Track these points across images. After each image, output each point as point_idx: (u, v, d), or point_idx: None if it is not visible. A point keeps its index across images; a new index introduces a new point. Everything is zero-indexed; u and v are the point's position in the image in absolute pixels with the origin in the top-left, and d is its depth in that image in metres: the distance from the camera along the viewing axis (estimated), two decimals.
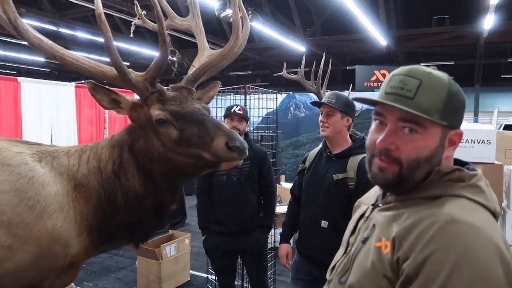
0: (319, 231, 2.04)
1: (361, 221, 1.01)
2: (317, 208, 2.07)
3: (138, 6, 2.27)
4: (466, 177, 0.85)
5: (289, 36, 11.45)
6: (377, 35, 10.47)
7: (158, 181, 1.59)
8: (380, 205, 0.96)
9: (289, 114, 8.30)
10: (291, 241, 2.49)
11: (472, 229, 0.74)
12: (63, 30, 11.76)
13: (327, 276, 1.06)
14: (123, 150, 1.60)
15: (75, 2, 8.75)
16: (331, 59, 5.01)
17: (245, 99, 3.35)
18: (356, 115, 2.29)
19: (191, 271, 4.09)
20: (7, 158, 1.48)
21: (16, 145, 1.58)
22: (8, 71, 17.08)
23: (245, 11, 1.71)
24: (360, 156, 2.02)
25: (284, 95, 8.54)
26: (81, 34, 11.87)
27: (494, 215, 0.84)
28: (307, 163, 2.25)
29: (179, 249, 3.83)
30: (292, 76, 4.48)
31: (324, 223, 2.03)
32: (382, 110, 0.90)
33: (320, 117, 2.11)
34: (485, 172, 2.97)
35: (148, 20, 2.31)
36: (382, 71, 10.68)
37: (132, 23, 2.44)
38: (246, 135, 2.82)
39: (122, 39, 11.66)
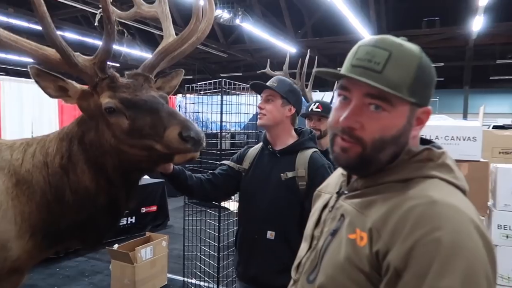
0: (264, 244, 1.67)
1: (326, 211, 0.92)
2: (261, 216, 1.70)
3: None
4: (435, 156, 0.80)
5: (280, 37, 11.35)
6: (368, 36, 10.39)
7: (111, 177, 1.45)
8: (346, 192, 0.88)
9: None
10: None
11: (453, 209, 0.70)
12: None
13: (293, 275, 0.96)
14: (73, 143, 1.46)
15: (65, 2, 8.57)
16: (316, 58, 4.90)
17: (222, 96, 3.19)
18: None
19: (169, 275, 3.92)
20: None
21: None
22: None
23: None
24: (311, 151, 1.73)
25: None
26: (70, 35, 11.69)
27: (464, 192, 0.79)
28: (246, 164, 1.84)
29: (156, 252, 3.67)
30: (276, 73, 4.36)
31: (270, 234, 1.66)
32: (347, 84, 0.82)
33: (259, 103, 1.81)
34: (470, 170, 2.84)
35: (115, 9, 2.19)
36: None
37: (98, 11, 2.31)
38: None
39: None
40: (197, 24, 1.46)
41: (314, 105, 2.63)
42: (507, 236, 2.44)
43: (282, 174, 1.68)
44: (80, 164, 1.44)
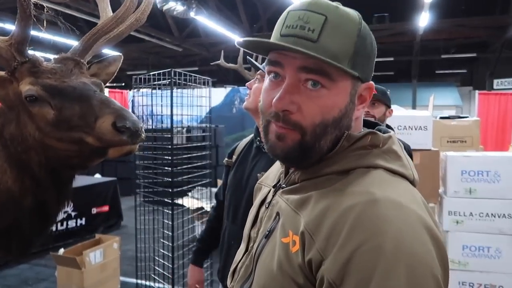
0: None
1: (263, 208, 0.80)
2: (238, 220, 1.48)
3: None
4: (380, 141, 0.69)
5: (236, 32, 11.22)
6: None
7: (37, 176, 1.27)
8: (283, 186, 0.75)
9: (234, 108, 8.07)
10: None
11: (397, 207, 0.59)
12: None
13: (228, 283, 0.84)
14: None
15: None
16: None
17: (171, 88, 3.02)
18: None
19: (122, 278, 3.71)
20: None
21: None
22: None
23: None
24: None
25: (228, 89, 8.29)
26: (11, 27, 10.88)
27: (413, 183, 0.69)
28: (234, 157, 1.66)
29: (106, 255, 3.45)
30: (230, 65, 4.25)
31: None
32: (278, 57, 0.68)
33: None
34: (422, 158, 2.87)
35: None
36: None
37: None
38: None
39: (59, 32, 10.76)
40: (134, 1, 1.32)
41: None
42: (457, 222, 2.51)
43: (258, 174, 1.51)
44: (0, 163, 1.26)
